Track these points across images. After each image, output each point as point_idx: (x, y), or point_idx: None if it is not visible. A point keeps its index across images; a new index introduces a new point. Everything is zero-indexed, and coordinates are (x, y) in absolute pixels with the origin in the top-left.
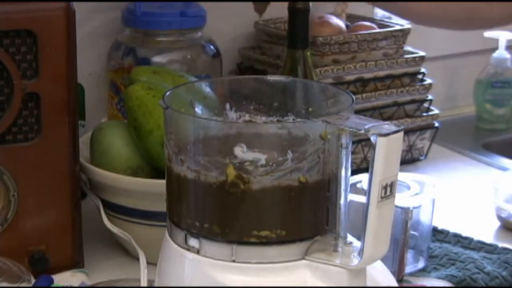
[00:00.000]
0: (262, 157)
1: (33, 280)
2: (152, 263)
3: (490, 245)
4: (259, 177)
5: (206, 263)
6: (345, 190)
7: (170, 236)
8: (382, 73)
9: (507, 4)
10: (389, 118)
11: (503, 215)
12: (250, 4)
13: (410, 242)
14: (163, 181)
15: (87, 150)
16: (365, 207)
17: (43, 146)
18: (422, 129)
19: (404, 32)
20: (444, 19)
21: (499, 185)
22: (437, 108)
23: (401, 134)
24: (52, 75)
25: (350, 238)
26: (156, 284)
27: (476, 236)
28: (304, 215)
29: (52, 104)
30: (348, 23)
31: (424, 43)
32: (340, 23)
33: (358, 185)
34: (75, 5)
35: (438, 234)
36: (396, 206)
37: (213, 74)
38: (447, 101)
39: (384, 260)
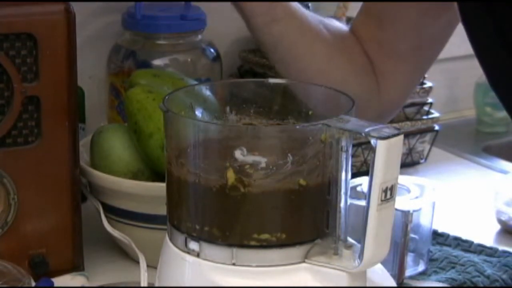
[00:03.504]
0: (262, 160)
1: (33, 283)
2: (152, 266)
3: (490, 248)
4: (259, 180)
5: (206, 266)
6: (345, 193)
7: (170, 239)
8: None
9: None
10: (389, 121)
11: (503, 218)
12: None
13: (410, 245)
14: (163, 185)
15: (87, 154)
16: (365, 210)
17: (43, 149)
18: (422, 132)
19: None
20: None
21: (500, 188)
22: (437, 111)
23: (401, 137)
24: (52, 78)
25: (350, 241)
26: None
27: (476, 239)
28: (304, 218)
29: (52, 107)
30: None
31: None
32: None
33: (358, 188)
34: (75, 8)
35: (438, 237)
36: (396, 209)
37: (213, 77)
38: (447, 104)
39: (384, 263)
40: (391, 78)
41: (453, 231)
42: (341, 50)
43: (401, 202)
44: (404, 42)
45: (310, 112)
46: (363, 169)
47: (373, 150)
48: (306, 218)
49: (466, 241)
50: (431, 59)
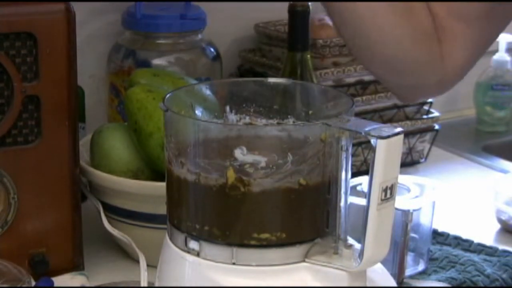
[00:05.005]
0: (262, 160)
1: (33, 283)
2: (152, 265)
3: (490, 247)
4: (259, 180)
5: (206, 265)
6: (345, 193)
7: (170, 238)
8: None
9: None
10: (389, 121)
11: (503, 218)
12: (250, 6)
13: (410, 244)
14: (163, 184)
15: (87, 153)
16: (365, 209)
17: (43, 149)
18: (422, 131)
19: None
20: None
21: (499, 188)
22: (437, 110)
23: (401, 136)
24: (52, 77)
25: (350, 240)
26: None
27: (476, 239)
28: (304, 218)
29: (52, 106)
30: None
31: None
32: None
33: (358, 188)
34: (75, 7)
35: (438, 236)
36: (396, 209)
37: (213, 77)
38: (447, 103)
39: (384, 262)
40: (458, 43)
41: (453, 231)
42: (402, 12)
43: (401, 202)
44: (474, 7)
45: (310, 112)
46: (363, 168)
47: (373, 149)
48: (306, 218)
49: (466, 241)
50: (499, 30)
